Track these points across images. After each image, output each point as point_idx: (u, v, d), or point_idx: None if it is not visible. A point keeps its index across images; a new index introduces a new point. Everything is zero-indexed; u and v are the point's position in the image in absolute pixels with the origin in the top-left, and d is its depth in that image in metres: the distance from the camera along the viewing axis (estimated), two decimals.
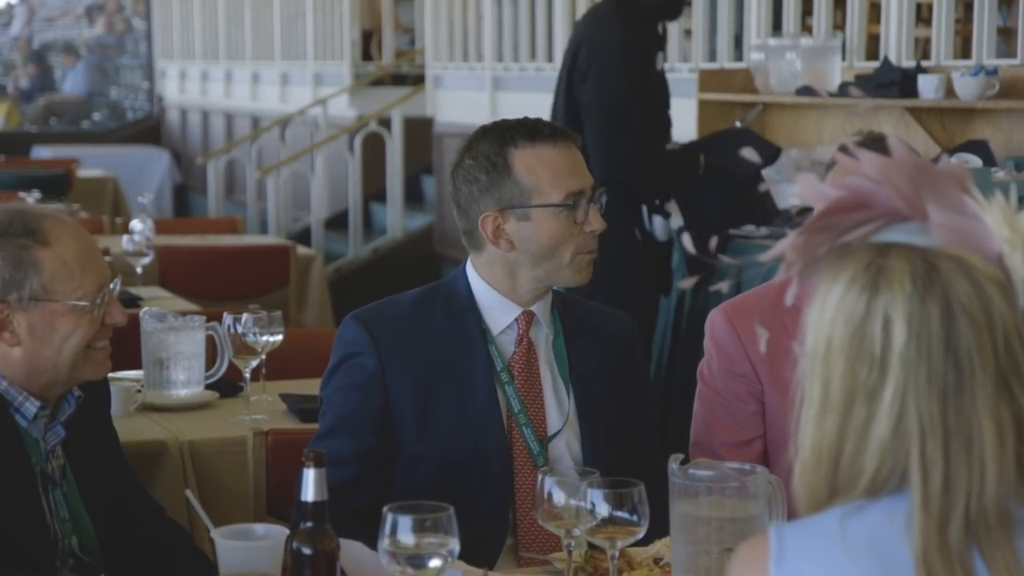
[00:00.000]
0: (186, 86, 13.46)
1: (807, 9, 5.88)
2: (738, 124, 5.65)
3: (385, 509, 1.85)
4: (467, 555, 2.27)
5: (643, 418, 2.58)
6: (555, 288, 2.54)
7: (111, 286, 2.28)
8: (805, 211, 1.66)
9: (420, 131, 9.05)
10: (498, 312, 2.46)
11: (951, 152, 4.50)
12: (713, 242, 1.80)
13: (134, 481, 2.45)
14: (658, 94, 4.66)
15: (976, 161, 4.20)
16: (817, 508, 1.49)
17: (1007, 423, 1.43)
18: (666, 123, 4.75)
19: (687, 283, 1.79)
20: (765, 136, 5.72)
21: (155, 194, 12.37)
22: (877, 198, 1.61)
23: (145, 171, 12.57)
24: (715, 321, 2.55)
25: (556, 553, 2.32)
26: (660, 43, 4.68)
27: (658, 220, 4.69)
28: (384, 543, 1.84)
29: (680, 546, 2.09)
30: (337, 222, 9.38)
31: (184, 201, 12.77)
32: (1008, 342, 1.45)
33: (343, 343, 2.45)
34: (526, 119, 2.46)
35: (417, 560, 1.83)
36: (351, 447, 2.39)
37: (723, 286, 1.74)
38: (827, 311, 1.49)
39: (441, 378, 2.40)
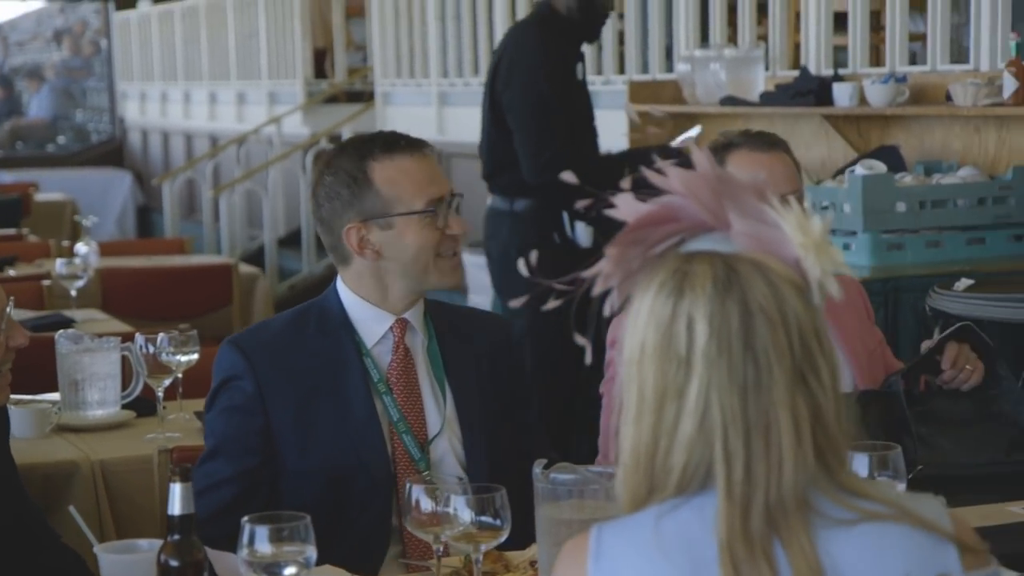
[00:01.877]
0: (146, 107, 13.54)
1: (734, 20, 5.99)
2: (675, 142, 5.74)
3: (243, 520, 1.93)
4: (354, 564, 2.37)
5: (527, 414, 2.66)
6: (428, 295, 2.61)
7: (7, 310, 2.36)
8: None
9: None
10: (371, 324, 2.54)
11: (861, 157, 4.60)
12: (533, 257, 1.89)
13: (31, 507, 2.51)
14: (579, 103, 4.76)
15: (880, 167, 4.31)
16: (638, 507, 1.57)
17: (803, 415, 1.52)
18: (590, 133, 4.84)
19: (516, 302, 1.88)
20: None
21: (118, 215, 12.49)
22: (684, 211, 1.71)
23: (108, 193, 12.66)
24: None
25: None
26: (579, 57, 4.78)
27: (580, 226, 4.76)
28: (242, 553, 1.92)
29: (545, 548, 2.18)
30: (292, 239, 9.46)
31: (147, 222, 12.84)
32: (804, 339, 1.54)
33: (221, 368, 2.53)
34: (382, 132, 2.54)
35: (273, 568, 1.91)
36: (233, 468, 2.47)
37: (551, 304, 1.82)
38: (640, 318, 1.58)
39: (319, 396, 2.47)
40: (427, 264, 2.51)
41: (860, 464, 2.34)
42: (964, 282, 3.76)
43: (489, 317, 2.73)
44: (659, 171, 1.72)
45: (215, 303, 5.97)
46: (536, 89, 4.56)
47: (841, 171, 4.52)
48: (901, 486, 2.34)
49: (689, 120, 5.89)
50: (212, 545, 2.08)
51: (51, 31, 15.32)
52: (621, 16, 6.64)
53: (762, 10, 5.86)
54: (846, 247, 4.23)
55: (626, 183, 1.79)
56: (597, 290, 1.73)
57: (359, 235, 2.49)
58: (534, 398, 2.76)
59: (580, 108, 4.74)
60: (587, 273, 1.73)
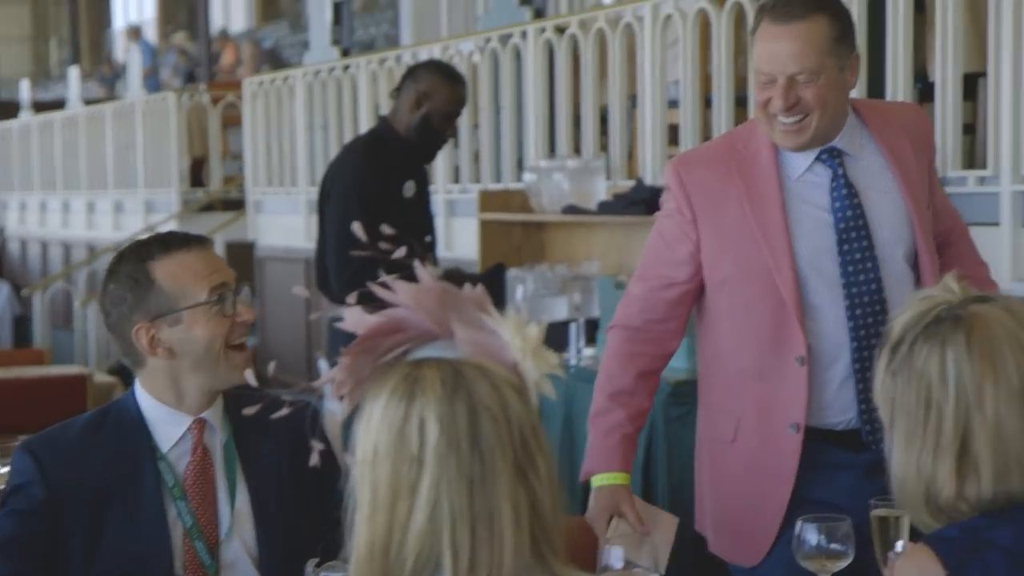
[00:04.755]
0: (26, 217, 13.52)
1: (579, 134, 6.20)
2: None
3: None
4: None
5: (332, 492, 2.68)
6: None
7: None
8: None
9: (246, 255, 9.23)
10: (168, 427, 2.57)
11: None
12: (272, 367, 2.00)
13: None
14: (402, 220, 4.84)
15: None
16: None
17: (523, 506, 1.64)
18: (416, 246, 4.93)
19: (248, 411, 1.98)
20: (542, 252, 6.00)
21: None
22: (409, 321, 1.84)
23: None
24: (668, 171, 2.84)
25: None
26: (412, 173, 4.85)
27: None
28: None
29: None
30: None
31: (26, 332, 12.74)
32: (523, 436, 1.66)
33: (13, 473, 2.54)
34: (159, 233, 2.62)
35: None
36: (10, 569, 2.50)
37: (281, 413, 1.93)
38: (373, 421, 1.68)
39: (111, 501, 2.50)
40: (218, 355, 2.52)
41: (615, 557, 2.47)
42: None
43: (291, 402, 2.77)
44: (386, 286, 1.85)
45: (69, 414, 5.94)
46: (347, 212, 4.66)
47: None
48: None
49: (536, 228, 6.07)
50: None
51: None
52: (476, 127, 6.83)
53: (605, 123, 6.07)
54: None
55: (351, 298, 1.90)
56: (332, 397, 1.85)
57: (149, 335, 2.52)
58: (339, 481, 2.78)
59: (403, 225, 4.80)
60: (318, 383, 1.85)
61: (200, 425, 2.59)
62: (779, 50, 2.70)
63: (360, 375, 1.84)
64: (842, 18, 2.74)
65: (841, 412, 2.76)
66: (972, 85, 4.64)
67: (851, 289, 2.74)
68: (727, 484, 2.87)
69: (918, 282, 2.80)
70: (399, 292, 1.85)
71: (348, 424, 1.80)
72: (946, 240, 2.94)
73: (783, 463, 2.76)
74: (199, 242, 2.59)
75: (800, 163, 2.77)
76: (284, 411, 2.10)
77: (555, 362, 1.77)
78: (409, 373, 1.68)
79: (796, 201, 2.76)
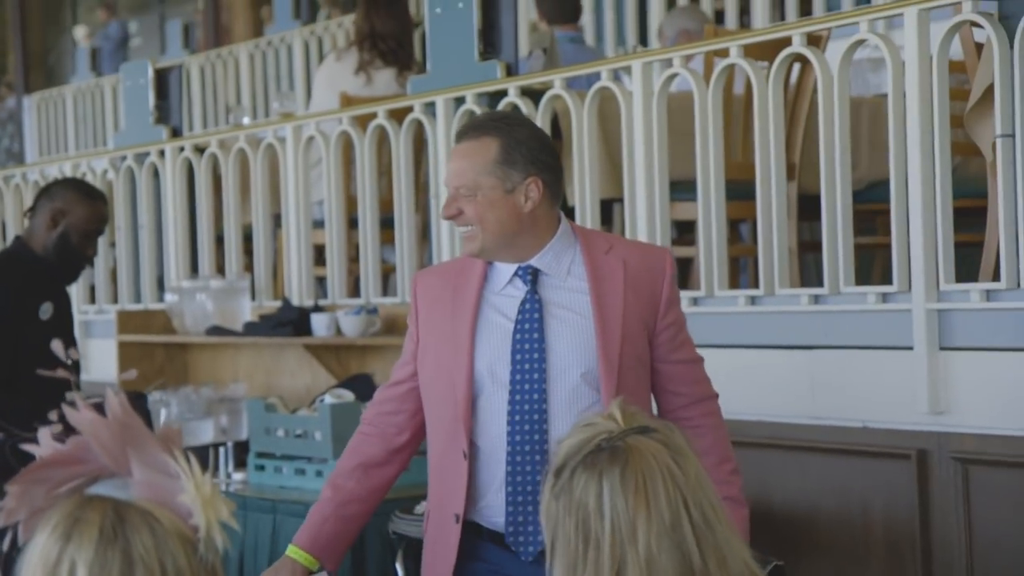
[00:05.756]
0: None
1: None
2: None
3: None
4: None
5: None
6: None
7: None
8: None
9: None
10: None
11: (337, 386, 4.76)
12: None
13: None
14: (38, 343, 4.62)
15: (348, 395, 4.48)
16: None
17: None
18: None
19: None
20: (186, 375, 5.87)
21: None
22: (91, 453, 1.77)
23: None
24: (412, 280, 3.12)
25: None
26: (50, 295, 4.65)
27: None
28: None
29: None
30: None
31: None
32: None
33: None
34: None
35: None
36: None
37: None
38: (32, 557, 1.61)
39: None
40: None
41: None
42: (423, 505, 3.91)
43: None
44: (77, 411, 1.79)
45: None
46: None
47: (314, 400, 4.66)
48: None
49: (180, 350, 5.93)
50: None
51: None
52: (113, 245, 6.65)
53: (249, 242, 6.02)
54: (319, 474, 4.34)
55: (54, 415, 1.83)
56: (1, 524, 1.77)
57: None
58: None
59: (32, 347, 4.57)
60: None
61: None
62: (450, 165, 2.96)
63: (34, 504, 1.77)
64: (517, 143, 2.91)
65: (500, 513, 2.91)
66: (608, 210, 4.87)
67: (515, 396, 2.89)
68: (425, 567, 3.04)
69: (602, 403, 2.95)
70: (82, 421, 1.79)
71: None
72: (691, 416, 2.99)
73: (447, 552, 2.94)
74: None
75: (502, 277, 2.96)
76: None
77: (227, 514, 1.73)
78: (72, 512, 1.63)
79: (489, 311, 2.95)
